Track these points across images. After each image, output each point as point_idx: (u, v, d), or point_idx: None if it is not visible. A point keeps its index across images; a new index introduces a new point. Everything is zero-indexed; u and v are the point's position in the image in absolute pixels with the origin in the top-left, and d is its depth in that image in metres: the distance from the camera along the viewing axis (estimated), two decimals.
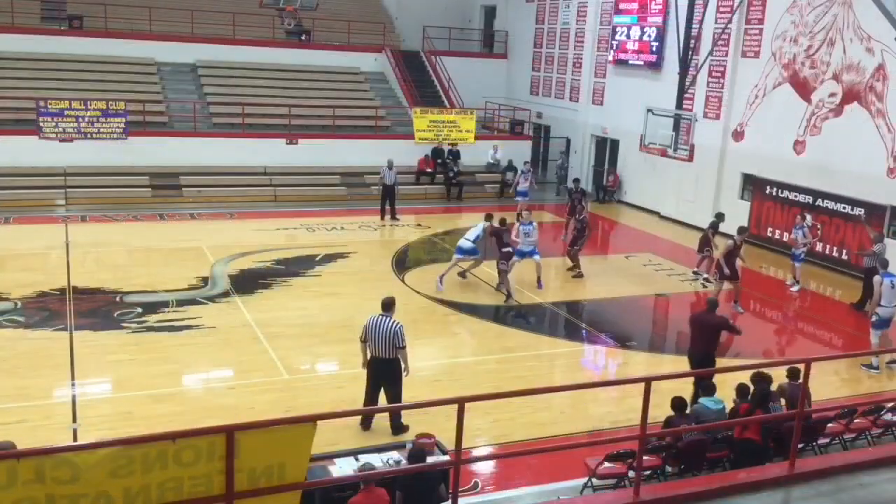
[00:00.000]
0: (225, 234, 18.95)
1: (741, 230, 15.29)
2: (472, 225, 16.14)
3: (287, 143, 23.81)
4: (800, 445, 7.66)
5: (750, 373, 8.82)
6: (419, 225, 21.01)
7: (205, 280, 15.25)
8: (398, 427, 9.50)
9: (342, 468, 7.24)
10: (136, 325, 12.76)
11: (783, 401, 8.77)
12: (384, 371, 9.43)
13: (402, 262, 17.47)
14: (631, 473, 7.52)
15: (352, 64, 28.44)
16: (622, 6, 24.94)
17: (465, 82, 29.01)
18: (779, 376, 9.19)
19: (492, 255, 15.93)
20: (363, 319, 9.62)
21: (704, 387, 8.70)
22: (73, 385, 10.62)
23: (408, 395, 9.53)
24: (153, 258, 16.96)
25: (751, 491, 6.36)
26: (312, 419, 5.07)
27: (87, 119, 21.30)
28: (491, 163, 26.25)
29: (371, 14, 31.56)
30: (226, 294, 14.54)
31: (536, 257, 15.62)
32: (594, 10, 26.33)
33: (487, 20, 33.18)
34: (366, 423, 9.64)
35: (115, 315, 13.16)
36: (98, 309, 13.41)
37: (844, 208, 18.03)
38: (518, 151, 25.94)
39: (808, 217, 17.67)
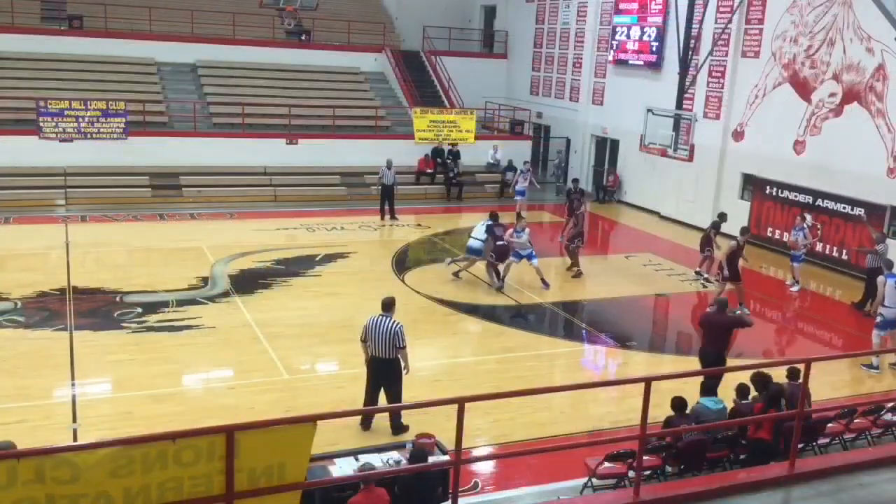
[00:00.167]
0: (225, 234, 18.95)
1: (743, 231, 15.28)
2: (473, 224, 16.19)
3: (287, 143, 23.81)
4: (800, 445, 7.66)
5: (750, 372, 8.83)
6: (419, 225, 21.01)
7: (205, 280, 15.25)
8: (398, 427, 9.50)
9: (342, 468, 7.24)
10: (136, 325, 12.76)
11: (783, 401, 8.76)
12: (384, 371, 9.42)
13: (402, 262, 17.47)
14: (631, 473, 7.52)
15: (352, 64, 28.44)
16: (622, 6, 24.94)
17: (465, 82, 29.02)
18: (779, 376, 9.19)
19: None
20: (363, 319, 9.61)
21: (705, 387, 8.70)
22: (73, 385, 10.62)
23: (408, 395, 9.53)
24: (153, 258, 16.96)
25: (751, 491, 6.37)
26: (312, 419, 5.07)
27: (87, 119, 21.30)
28: (491, 163, 26.25)
29: (371, 14, 31.56)
30: (226, 294, 14.54)
31: (534, 261, 15.66)
32: (594, 10, 26.33)
33: (487, 20, 33.19)
34: (366, 423, 9.64)
35: (115, 315, 13.16)
36: (98, 309, 13.41)
37: (844, 208, 18.03)
38: (518, 151, 25.95)
39: (809, 217, 17.68)
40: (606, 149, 26.51)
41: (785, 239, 18.19)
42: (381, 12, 32.23)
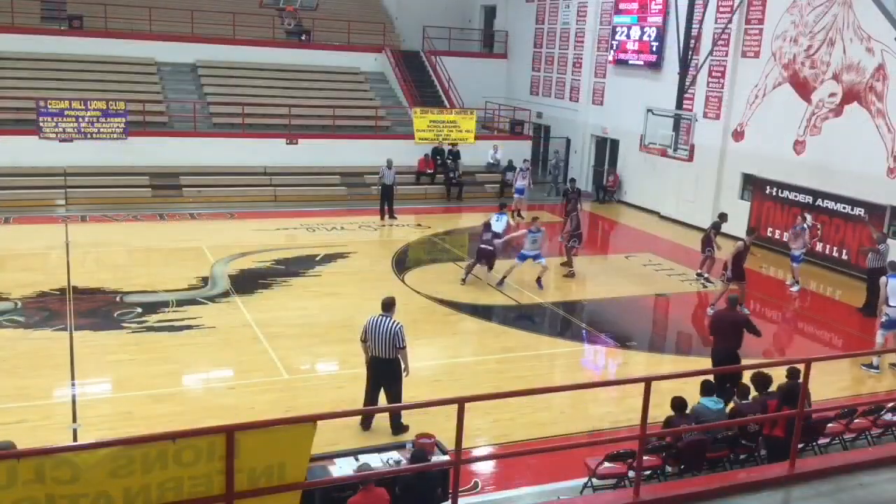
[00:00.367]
0: (225, 234, 18.95)
1: (750, 231, 15.23)
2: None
3: (287, 143, 23.81)
4: (800, 445, 7.66)
5: (749, 373, 8.83)
6: (419, 225, 21.01)
7: (205, 280, 15.25)
8: (398, 427, 9.50)
9: (342, 468, 7.24)
10: (136, 325, 12.76)
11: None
12: (384, 371, 9.42)
13: (402, 262, 17.47)
14: (631, 473, 7.52)
15: (352, 64, 28.44)
16: (622, 6, 24.94)
17: (465, 82, 29.02)
18: (779, 376, 9.19)
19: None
20: (363, 319, 9.62)
21: (705, 387, 8.69)
22: (73, 385, 10.62)
23: (408, 395, 9.53)
24: (153, 258, 16.96)
25: (751, 491, 6.36)
26: (312, 419, 5.06)
27: (87, 119, 21.30)
28: (491, 163, 26.25)
29: (371, 14, 31.56)
30: (226, 294, 14.54)
31: (542, 261, 15.71)
32: (594, 10, 26.33)
33: (487, 20, 33.18)
34: (366, 423, 9.64)
35: (115, 315, 13.16)
36: (98, 309, 13.41)
37: (844, 208, 18.03)
38: (518, 151, 25.94)
39: (809, 217, 17.68)
40: (606, 149, 26.51)
41: (785, 238, 18.18)
42: (381, 12, 32.23)
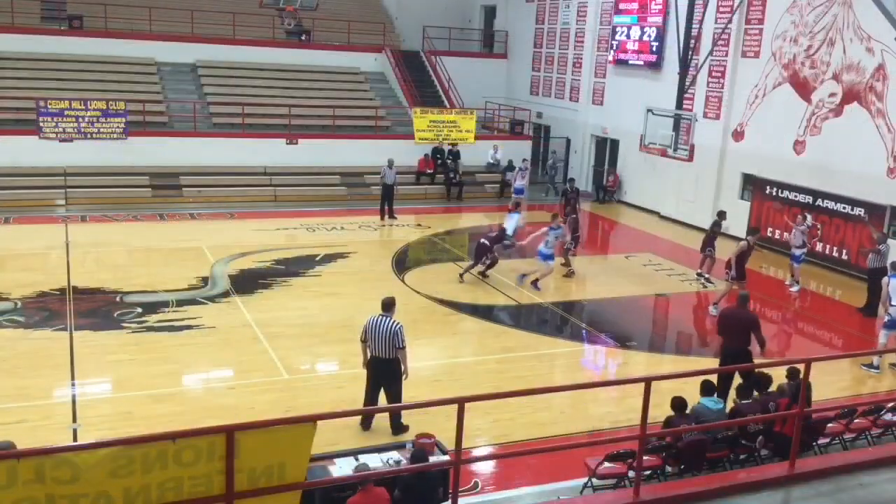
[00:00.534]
0: (225, 234, 18.95)
1: (752, 231, 15.20)
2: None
3: (287, 143, 23.81)
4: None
5: (749, 373, 8.82)
6: (419, 225, 21.01)
7: (205, 280, 15.25)
8: (398, 427, 9.50)
9: (342, 468, 7.24)
10: (136, 325, 12.76)
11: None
12: (384, 371, 9.42)
13: (402, 262, 17.47)
14: (631, 473, 7.51)
15: (352, 64, 28.44)
16: (622, 6, 24.94)
17: (465, 82, 29.02)
18: (779, 376, 9.20)
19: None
20: (363, 319, 9.62)
21: (705, 387, 8.70)
22: (73, 385, 10.62)
23: (408, 395, 9.53)
24: (153, 258, 16.96)
25: (751, 491, 6.37)
26: (312, 419, 5.06)
27: (87, 119, 21.30)
28: (491, 163, 26.25)
29: (371, 14, 31.56)
30: (226, 294, 14.54)
31: (551, 262, 15.68)
32: (594, 10, 26.33)
33: (487, 20, 33.18)
34: (366, 423, 9.64)
35: (115, 315, 13.16)
36: (98, 309, 13.41)
37: (844, 208, 18.03)
38: (518, 151, 25.94)
39: (809, 217, 17.67)
40: (606, 149, 26.51)
41: (786, 238, 18.18)
42: (381, 12, 32.23)
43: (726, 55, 21.09)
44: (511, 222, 16.74)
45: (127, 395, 10.40)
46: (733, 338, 10.33)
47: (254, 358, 11.76)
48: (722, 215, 17.31)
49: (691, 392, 8.47)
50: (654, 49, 23.66)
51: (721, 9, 21.20)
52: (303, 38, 28.44)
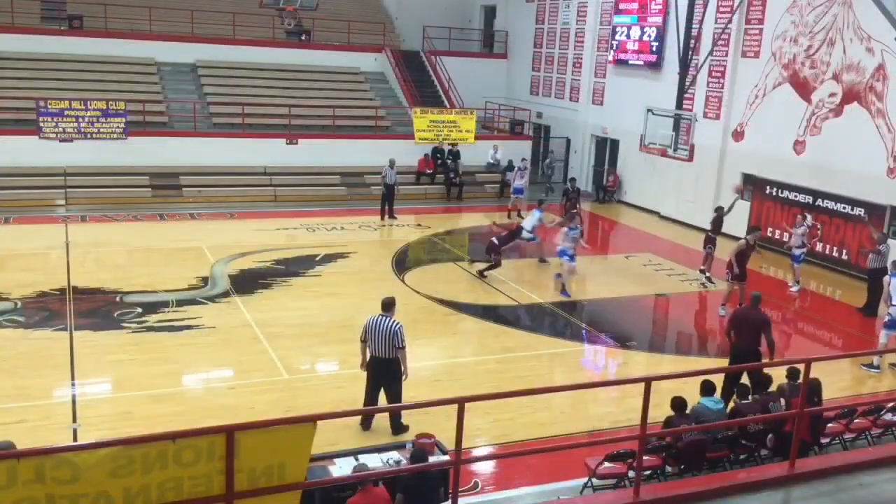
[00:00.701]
0: (225, 234, 18.95)
1: (751, 230, 15.17)
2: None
3: (287, 143, 23.81)
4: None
5: (750, 373, 8.81)
6: (419, 225, 21.01)
7: (205, 280, 15.25)
8: (398, 427, 9.50)
9: (342, 468, 7.24)
10: (136, 325, 12.76)
11: (783, 401, 8.78)
12: (384, 371, 9.42)
13: (402, 262, 17.46)
14: (631, 473, 7.52)
15: (352, 64, 28.44)
16: (622, 6, 24.94)
17: (465, 82, 29.01)
18: (779, 377, 9.20)
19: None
20: (363, 319, 9.62)
21: (705, 387, 8.70)
22: (73, 385, 10.62)
23: (408, 395, 9.53)
24: (153, 258, 16.96)
25: (751, 491, 6.36)
26: (312, 419, 5.06)
27: (87, 119, 21.30)
28: (491, 163, 26.25)
29: (371, 14, 31.56)
30: (226, 294, 14.54)
31: (572, 263, 15.67)
32: (594, 10, 26.33)
33: (487, 20, 33.18)
34: (366, 423, 9.64)
35: (115, 315, 13.16)
36: (98, 309, 13.41)
37: (844, 208, 18.03)
38: (518, 151, 25.91)
39: (809, 217, 17.66)
40: (606, 149, 26.51)
41: (786, 238, 18.17)
42: (381, 12, 32.23)
43: (726, 55, 21.09)
44: (532, 218, 17.06)
45: (127, 395, 10.40)
46: (744, 338, 10.33)
47: (254, 358, 11.76)
48: (719, 210, 17.28)
49: (691, 392, 8.47)
50: (654, 49, 23.66)
51: (721, 9, 21.20)
52: (303, 38, 28.44)
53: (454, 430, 5.59)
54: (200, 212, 21.04)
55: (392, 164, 21.03)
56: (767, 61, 20.05)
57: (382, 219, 21.10)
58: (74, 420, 9.66)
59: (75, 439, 9.03)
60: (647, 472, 7.88)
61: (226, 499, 4.80)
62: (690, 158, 20.80)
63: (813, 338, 14.75)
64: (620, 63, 25.16)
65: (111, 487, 4.50)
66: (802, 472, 6.61)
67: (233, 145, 23.23)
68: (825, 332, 14.80)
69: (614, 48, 25.31)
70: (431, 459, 7.22)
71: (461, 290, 15.51)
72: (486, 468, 9.05)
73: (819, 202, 18.67)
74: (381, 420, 9.69)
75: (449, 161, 24.83)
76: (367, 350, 9.52)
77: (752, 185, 20.66)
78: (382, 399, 9.50)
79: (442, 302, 14.77)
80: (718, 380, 9.00)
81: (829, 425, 9.12)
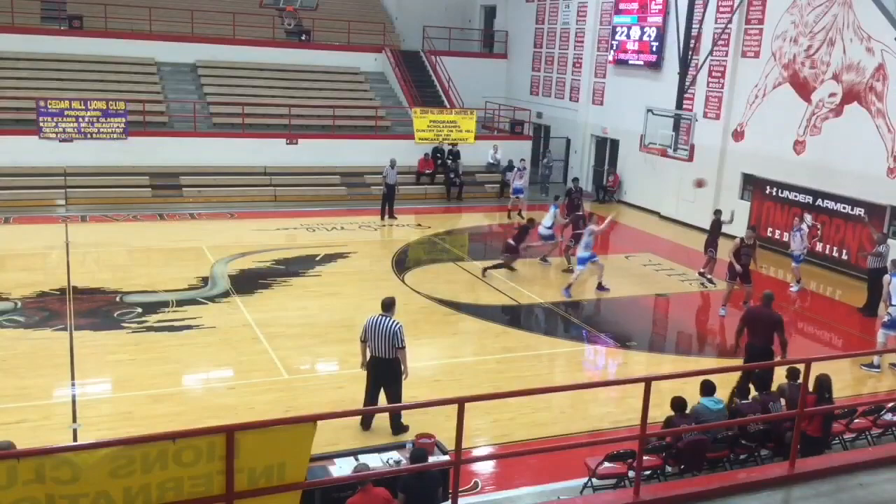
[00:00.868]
0: (225, 234, 18.95)
1: (748, 228, 15.13)
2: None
3: (287, 143, 23.80)
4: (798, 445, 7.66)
5: (747, 374, 8.81)
6: (419, 225, 21.01)
7: (205, 280, 15.25)
8: (398, 427, 9.50)
9: (342, 468, 7.24)
10: (136, 325, 12.76)
11: (783, 401, 8.78)
12: (384, 371, 9.42)
13: (402, 262, 17.47)
14: (631, 473, 7.52)
15: (352, 64, 28.44)
16: (622, 6, 24.94)
17: (465, 82, 29.00)
18: (778, 377, 9.20)
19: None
20: (363, 319, 9.61)
21: (705, 387, 8.69)
22: (73, 385, 10.62)
23: (408, 395, 9.53)
24: (153, 258, 16.96)
25: (751, 491, 6.36)
26: (312, 419, 5.06)
27: (87, 119, 21.30)
28: (491, 163, 26.24)
29: (371, 14, 31.57)
30: (226, 294, 14.54)
31: (596, 259, 15.77)
32: (594, 10, 26.33)
33: (487, 20, 33.19)
34: (366, 423, 9.64)
35: (115, 315, 13.16)
36: (98, 309, 13.41)
37: (844, 208, 18.03)
38: (518, 151, 25.93)
39: (808, 217, 17.65)
40: (606, 149, 26.51)
41: (786, 238, 18.19)
42: (381, 12, 32.23)
43: (726, 55, 21.09)
44: (549, 216, 17.33)
45: (127, 395, 10.40)
46: (758, 336, 10.36)
47: (254, 358, 11.75)
48: (718, 213, 17.28)
49: (691, 392, 8.47)
50: (654, 49, 23.66)
51: (721, 9, 21.20)
52: (303, 38, 28.44)
53: (454, 430, 5.58)
54: (200, 212, 21.04)
55: (393, 164, 21.03)
56: (767, 61, 20.05)
57: (382, 219, 21.10)
58: (74, 420, 9.66)
59: (75, 439, 9.03)
60: (647, 473, 7.88)
61: (226, 499, 4.80)
62: (690, 158, 20.80)
63: (813, 338, 14.74)
64: (620, 63, 25.16)
65: (111, 487, 4.50)
66: (802, 472, 6.61)
67: (233, 145, 23.23)
68: (825, 332, 14.80)
69: (614, 48, 25.31)
70: (431, 459, 7.22)
71: (461, 290, 15.51)
72: (486, 468, 9.05)
73: (819, 202, 18.67)
74: (381, 420, 9.68)
75: (449, 161, 24.84)
76: (367, 350, 9.52)
77: (753, 186, 20.67)
78: (382, 399, 9.50)
79: (442, 302, 14.77)
80: (718, 380, 8.98)
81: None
